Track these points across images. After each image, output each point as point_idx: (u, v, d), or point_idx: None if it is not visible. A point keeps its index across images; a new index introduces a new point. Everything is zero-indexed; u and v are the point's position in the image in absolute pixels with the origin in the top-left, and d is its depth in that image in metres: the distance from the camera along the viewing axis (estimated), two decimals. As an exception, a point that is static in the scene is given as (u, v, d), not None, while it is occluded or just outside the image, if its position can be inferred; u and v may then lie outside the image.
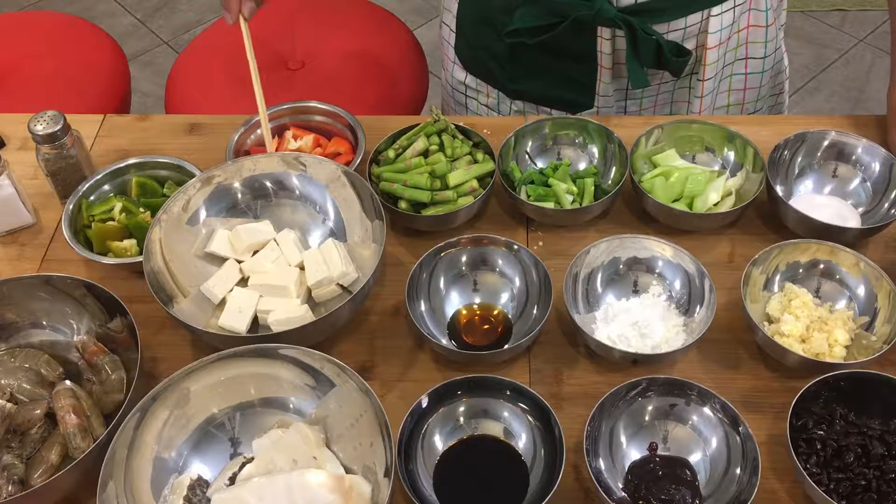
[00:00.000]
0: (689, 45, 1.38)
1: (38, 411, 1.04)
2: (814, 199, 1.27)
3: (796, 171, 1.28)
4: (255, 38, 1.94)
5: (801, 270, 1.16)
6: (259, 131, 1.36)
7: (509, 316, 1.17)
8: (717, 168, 1.30)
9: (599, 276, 1.16)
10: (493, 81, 1.53)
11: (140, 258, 1.13)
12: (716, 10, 1.35)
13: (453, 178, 1.24)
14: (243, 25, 1.30)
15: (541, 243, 1.25)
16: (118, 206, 1.24)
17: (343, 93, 1.81)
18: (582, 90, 1.44)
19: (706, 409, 1.03)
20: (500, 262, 1.18)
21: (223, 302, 1.15)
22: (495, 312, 1.17)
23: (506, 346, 1.08)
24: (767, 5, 1.40)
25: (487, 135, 1.32)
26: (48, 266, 1.26)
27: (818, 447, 0.99)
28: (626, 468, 1.02)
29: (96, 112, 1.50)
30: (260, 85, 1.29)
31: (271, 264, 1.17)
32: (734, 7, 1.36)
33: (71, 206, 1.24)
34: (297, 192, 1.23)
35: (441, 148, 1.28)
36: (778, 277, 1.15)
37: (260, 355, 1.02)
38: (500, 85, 1.52)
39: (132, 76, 1.99)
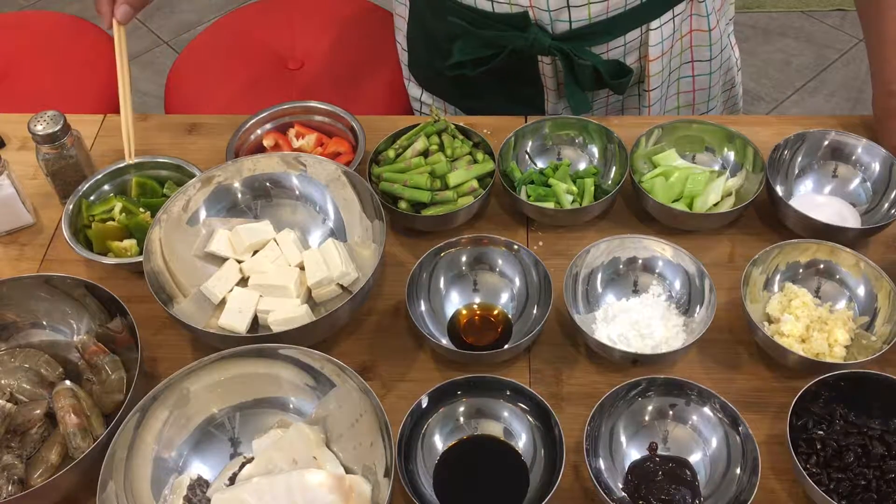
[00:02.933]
0: (631, 59, 1.39)
1: (38, 411, 1.04)
2: (814, 199, 1.27)
3: (796, 171, 1.28)
4: (255, 38, 1.95)
5: (801, 270, 1.16)
6: (259, 131, 1.36)
7: (509, 316, 1.17)
8: (717, 168, 1.30)
9: (599, 276, 1.16)
10: (448, 98, 1.54)
11: (140, 258, 1.13)
12: (654, 23, 1.35)
13: (453, 178, 1.24)
14: (116, 30, 1.26)
15: (541, 243, 1.25)
16: (118, 206, 1.24)
17: (343, 93, 1.80)
18: (532, 109, 1.45)
19: (706, 409, 1.03)
20: (500, 262, 1.18)
21: (223, 302, 1.15)
22: (495, 312, 1.17)
23: (506, 346, 1.08)
24: (709, 10, 1.39)
25: (487, 135, 1.32)
26: (48, 266, 1.26)
27: (818, 447, 0.99)
28: (626, 468, 1.02)
29: (96, 112, 1.50)
30: (128, 94, 1.27)
31: (271, 264, 1.17)
32: (673, 18, 1.36)
33: (71, 206, 1.23)
34: (297, 192, 1.23)
35: (441, 148, 1.28)
36: (778, 277, 1.15)
37: (260, 355, 1.02)
38: (456, 102, 1.53)
39: (132, 76, 1.99)
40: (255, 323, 1.15)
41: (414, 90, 1.59)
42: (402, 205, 1.23)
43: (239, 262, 1.19)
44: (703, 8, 1.38)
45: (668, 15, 1.35)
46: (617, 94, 1.42)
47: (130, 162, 1.27)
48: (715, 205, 1.24)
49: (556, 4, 1.28)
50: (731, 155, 1.29)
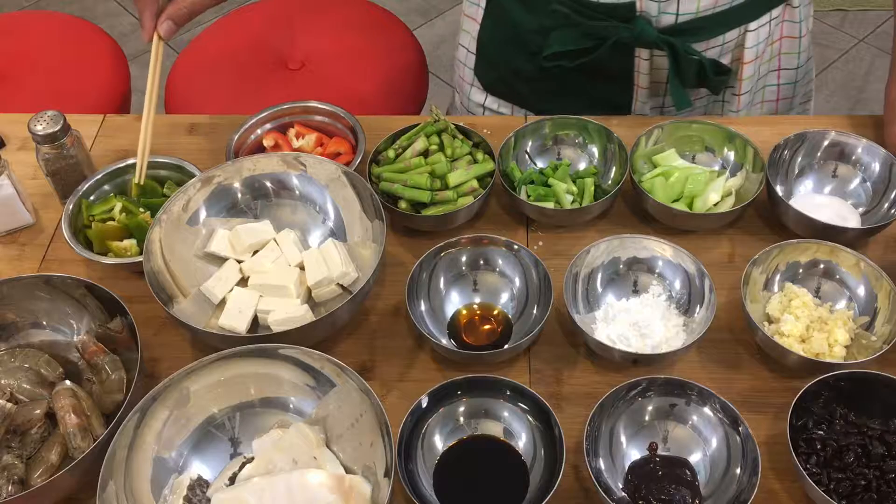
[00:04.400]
0: (725, 61, 1.38)
1: (38, 411, 1.04)
2: (814, 199, 1.27)
3: (796, 171, 1.28)
4: (255, 39, 1.95)
5: (801, 270, 1.16)
6: (259, 131, 1.36)
7: (509, 316, 1.17)
8: (717, 168, 1.30)
9: (599, 276, 1.16)
10: (520, 102, 1.50)
11: (140, 258, 1.13)
12: (753, 24, 1.34)
13: (453, 178, 1.24)
14: (155, 46, 1.22)
15: (541, 243, 1.25)
16: (118, 206, 1.24)
17: (343, 93, 1.80)
18: (616, 109, 1.42)
19: (706, 409, 1.03)
20: (500, 262, 1.18)
21: (223, 302, 1.15)
22: (495, 312, 1.17)
23: (506, 346, 1.08)
24: (801, 16, 1.39)
25: (487, 135, 1.32)
26: (48, 266, 1.26)
27: (818, 447, 0.99)
28: (626, 468, 1.02)
29: (96, 112, 1.50)
30: (151, 114, 1.24)
31: (271, 264, 1.17)
32: (770, 21, 1.35)
33: (71, 206, 1.23)
34: (297, 192, 1.23)
35: (441, 148, 1.28)
36: (778, 277, 1.15)
37: (260, 355, 1.02)
38: (528, 105, 1.50)
39: (132, 76, 1.99)
40: (255, 323, 1.15)
41: (477, 96, 1.55)
42: (402, 205, 1.23)
43: (239, 262, 1.19)
44: (796, 14, 1.38)
45: (766, 17, 1.35)
46: (712, 94, 1.40)
47: (139, 182, 1.26)
48: (715, 205, 1.24)
49: None
50: (731, 155, 1.29)
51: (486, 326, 1.16)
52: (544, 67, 1.36)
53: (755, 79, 1.42)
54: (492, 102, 1.54)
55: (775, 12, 1.36)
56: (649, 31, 1.29)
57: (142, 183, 1.26)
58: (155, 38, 1.22)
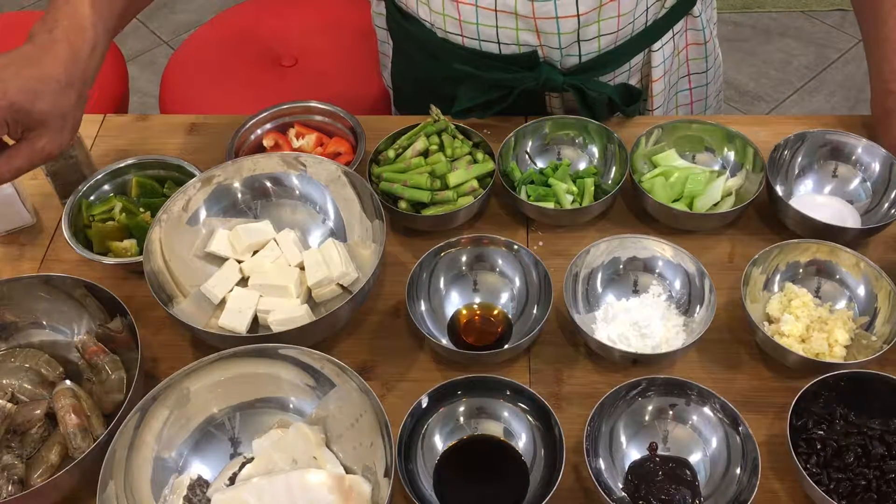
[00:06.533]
0: (634, 81, 1.39)
1: (38, 411, 1.04)
2: (814, 199, 1.27)
3: (796, 171, 1.28)
4: (248, 35, 1.96)
5: (801, 270, 1.16)
6: (259, 131, 1.36)
7: (509, 316, 1.17)
8: (717, 168, 1.30)
9: (599, 276, 1.16)
10: None
11: (140, 258, 1.13)
12: (656, 45, 1.35)
13: (453, 178, 1.24)
14: None
15: (541, 243, 1.25)
16: (118, 206, 1.24)
17: (337, 91, 1.80)
18: None
19: (706, 409, 1.03)
20: (500, 262, 1.18)
21: (223, 302, 1.15)
22: (495, 312, 1.17)
23: (506, 346, 1.08)
24: (704, 22, 1.40)
25: (487, 135, 1.32)
26: (48, 266, 1.26)
27: (818, 447, 0.99)
28: (626, 468, 1.02)
29: (96, 112, 1.50)
30: None
31: (271, 264, 1.17)
32: (673, 36, 1.36)
33: (71, 206, 1.23)
34: (297, 192, 1.23)
35: (441, 148, 1.28)
36: (778, 277, 1.15)
37: (260, 355, 1.02)
38: None
39: (132, 76, 2.00)
40: (255, 323, 1.15)
41: None
42: (402, 205, 1.23)
43: (239, 262, 1.19)
44: (698, 22, 1.39)
45: (669, 35, 1.35)
46: (627, 117, 1.41)
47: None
48: (715, 205, 1.24)
49: (567, 41, 1.28)
50: (731, 155, 1.29)
51: (486, 326, 1.16)
52: (458, 111, 1.36)
53: (666, 91, 1.43)
54: None
55: (677, 27, 1.36)
56: (554, 76, 1.30)
57: None
58: None
